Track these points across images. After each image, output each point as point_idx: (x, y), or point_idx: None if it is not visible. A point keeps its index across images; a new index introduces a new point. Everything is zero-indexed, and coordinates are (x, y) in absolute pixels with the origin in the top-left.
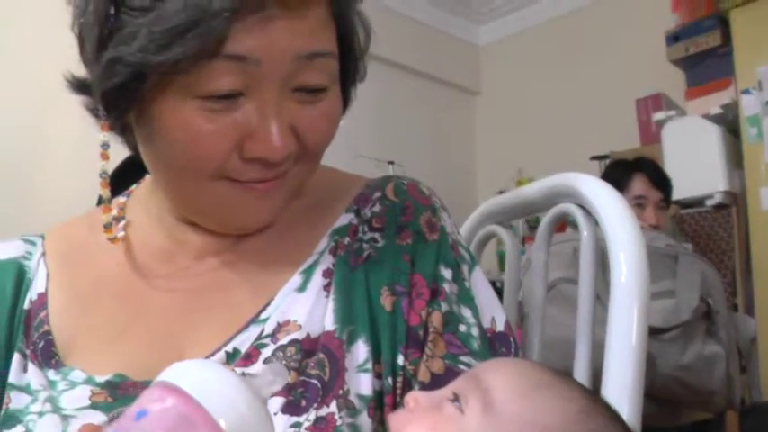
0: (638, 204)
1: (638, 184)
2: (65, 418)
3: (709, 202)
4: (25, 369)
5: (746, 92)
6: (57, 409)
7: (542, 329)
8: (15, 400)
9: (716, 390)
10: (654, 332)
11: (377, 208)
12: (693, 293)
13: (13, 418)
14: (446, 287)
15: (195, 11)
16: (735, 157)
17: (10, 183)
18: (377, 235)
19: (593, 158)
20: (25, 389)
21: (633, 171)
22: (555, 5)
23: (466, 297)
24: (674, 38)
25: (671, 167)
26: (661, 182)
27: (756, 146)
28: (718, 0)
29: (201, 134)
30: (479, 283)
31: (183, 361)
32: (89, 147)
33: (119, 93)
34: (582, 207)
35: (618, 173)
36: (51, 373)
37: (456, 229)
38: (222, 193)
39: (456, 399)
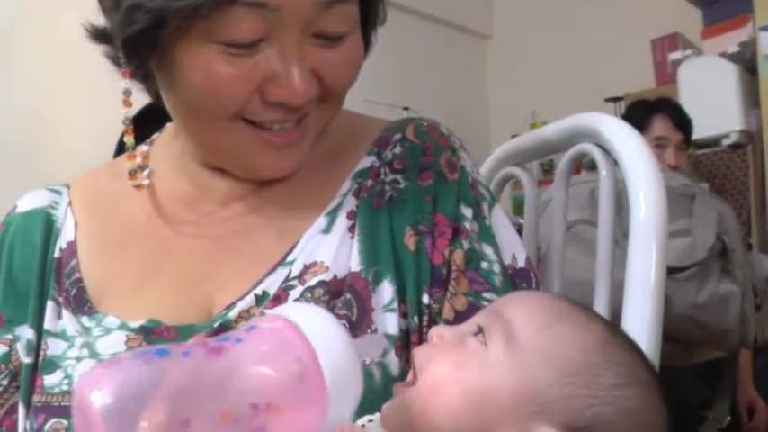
0: (659, 145)
1: (659, 125)
2: (102, 362)
3: (725, 142)
4: (59, 316)
5: (765, 28)
6: (94, 354)
7: (561, 270)
8: (53, 347)
9: (730, 328)
10: (669, 271)
11: (398, 149)
12: (709, 232)
13: (52, 363)
14: (467, 225)
15: None
16: (752, 96)
17: (25, 136)
18: (399, 176)
19: (608, 100)
20: (61, 335)
21: (654, 112)
22: None
23: (487, 234)
24: None
25: (687, 108)
26: (682, 123)
27: None
28: None
29: (223, 77)
30: (500, 221)
31: (302, 303)
32: (102, 97)
33: (139, 39)
34: (601, 147)
35: (639, 113)
36: (85, 320)
37: (476, 168)
38: (243, 136)
39: (479, 332)
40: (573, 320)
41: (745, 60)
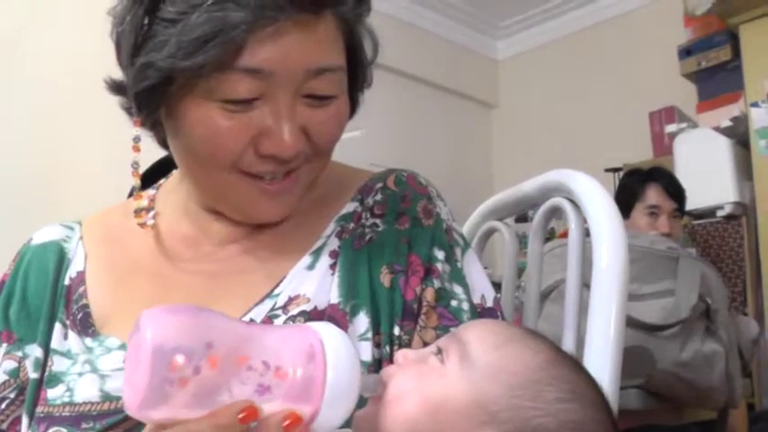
0: (652, 213)
1: (653, 194)
2: (102, 377)
3: (720, 213)
4: (66, 337)
5: (755, 105)
6: (94, 370)
7: (536, 320)
8: (58, 363)
9: (715, 386)
10: (653, 329)
11: (379, 197)
12: (692, 292)
13: (56, 378)
14: (439, 266)
15: (217, 23)
16: (745, 169)
17: (36, 170)
18: (378, 221)
19: (608, 170)
20: (66, 354)
21: (648, 180)
22: (571, 22)
23: (458, 276)
24: (686, 52)
25: (682, 178)
26: (675, 192)
27: (766, 158)
28: (729, 15)
29: (220, 130)
30: (471, 265)
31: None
32: (114, 147)
33: (150, 93)
34: (571, 201)
35: (633, 182)
36: (88, 341)
37: (451, 216)
38: (238, 185)
39: (439, 353)
40: (522, 342)
41: (738, 134)
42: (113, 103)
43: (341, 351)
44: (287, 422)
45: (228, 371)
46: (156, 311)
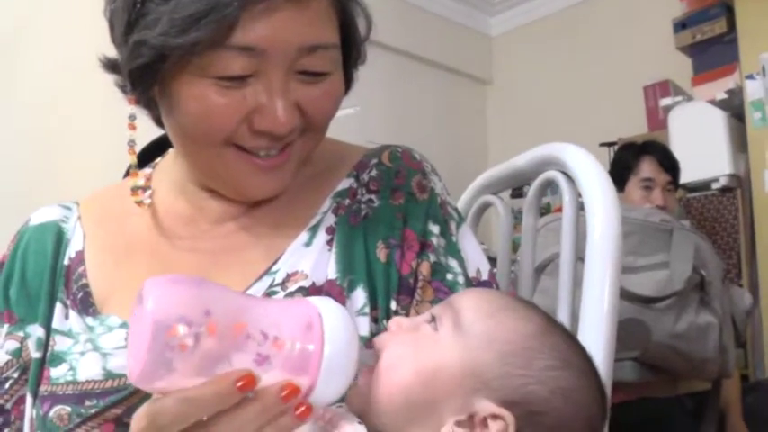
0: (647, 186)
1: (647, 167)
2: (104, 355)
3: (715, 186)
4: (66, 316)
5: (750, 77)
6: (96, 348)
7: (531, 293)
8: (59, 343)
9: (709, 358)
10: (648, 301)
11: (374, 173)
12: (686, 264)
13: (59, 358)
14: (434, 241)
15: (209, 0)
16: (739, 142)
17: (33, 161)
18: (373, 197)
19: (602, 145)
20: (67, 333)
21: (642, 154)
22: None
23: (453, 250)
24: (681, 25)
25: (677, 152)
26: (669, 165)
27: (760, 130)
28: None
29: (214, 107)
30: (466, 238)
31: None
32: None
33: (143, 71)
34: (565, 174)
35: (627, 156)
36: (89, 320)
37: (446, 191)
38: (234, 160)
39: (432, 320)
40: (515, 311)
41: (733, 107)
42: (113, 93)
43: (339, 325)
44: (285, 392)
45: (227, 338)
46: (159, 281)
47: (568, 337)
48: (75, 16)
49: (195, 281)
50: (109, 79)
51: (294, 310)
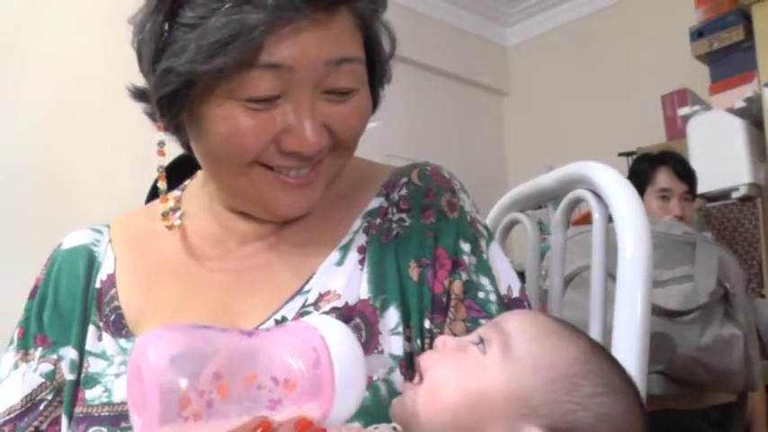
0: (663, 196)
1: (663, 177)
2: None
3: (735, 195)
4: (100, 338)
5: None
6: None
7: (561, 308)
8: (93, 365)
9: (735, 370)
10: (673, 315)
11: (404, 191)
12: (711, 278)
13: (93, 380)
14: (465, 259)
15: (235, 26)
16: (759, 150)
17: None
18: (404, 215)
19: (621, 155)
20: (101, 355)
21: (658, 164)
22: (580, 6)
23: (484, 267)
24: (697, 33)
25: (696, 161)
26: (685, 174)
27: None
28: None
29: (243, 128)
30: (496, 256)
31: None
32: (120, 142)
33: (172, 98)
34: (594, 192)
35: (644, 166)
36: (123, 342)
37: (475, 208)
38: (261, 179)
39: (480, 342)
40: (559, 335)
41: (752, 115)
42: (118, 98)
43: (344, 347)
44: (298, 430)
45: (239, 395)
46: (156, 340)
47: (611, 361)
48: (75, 16)
49: (193, 332)
50: (109, 79)
51: (298, 341)
